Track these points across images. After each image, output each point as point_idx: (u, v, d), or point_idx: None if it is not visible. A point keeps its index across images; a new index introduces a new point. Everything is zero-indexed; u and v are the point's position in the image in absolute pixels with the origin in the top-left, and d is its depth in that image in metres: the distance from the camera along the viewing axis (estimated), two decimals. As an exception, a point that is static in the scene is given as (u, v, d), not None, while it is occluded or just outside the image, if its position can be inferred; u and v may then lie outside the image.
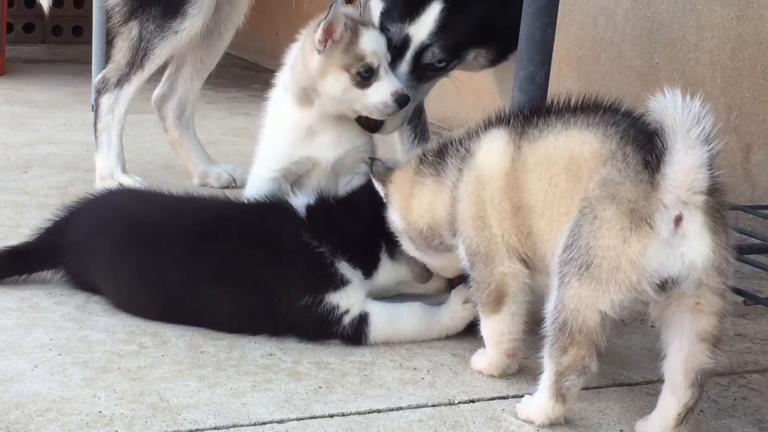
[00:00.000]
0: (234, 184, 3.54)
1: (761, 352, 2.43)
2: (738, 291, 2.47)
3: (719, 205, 1.84)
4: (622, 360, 2.31)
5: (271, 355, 2.22)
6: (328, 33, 2.46)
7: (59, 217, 2.52)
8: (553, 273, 1.91)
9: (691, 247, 1.81)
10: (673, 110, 1.79)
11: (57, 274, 2.50)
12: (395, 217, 2.28)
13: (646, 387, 2.17)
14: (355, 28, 2.49)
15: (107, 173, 3.30)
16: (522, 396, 2.03)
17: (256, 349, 2.24)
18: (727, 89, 3.48)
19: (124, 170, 3.30)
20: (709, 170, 1.79)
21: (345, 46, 2.48)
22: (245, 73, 6.08)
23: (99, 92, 3.31)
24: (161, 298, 2.34)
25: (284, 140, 2.60)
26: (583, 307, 1.85)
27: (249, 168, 2.73)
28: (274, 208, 2.39)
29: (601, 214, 1.84)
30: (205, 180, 3.57)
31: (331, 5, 2.44)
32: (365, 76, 2.49)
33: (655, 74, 3.72)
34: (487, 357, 2.18)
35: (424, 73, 2.65)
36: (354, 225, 2.34)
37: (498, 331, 2.13)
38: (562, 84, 4.14)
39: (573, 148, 1.93)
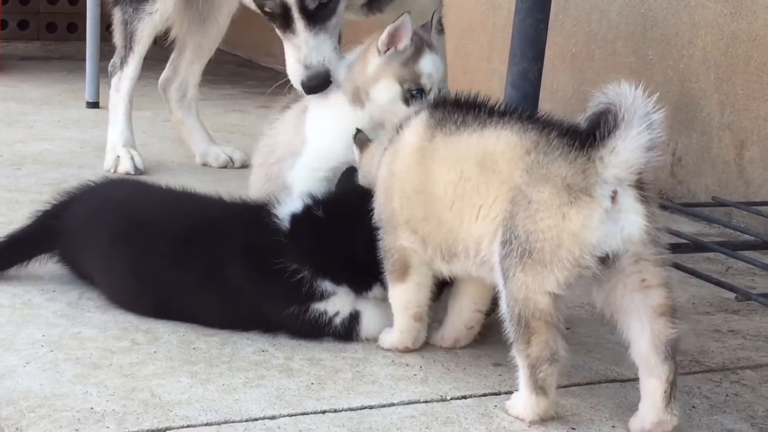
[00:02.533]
0: (231, 164, 3.74)
1: (753, 348, 2.43)
2: (731, 287, 2.48)
3: (644, 181, 1.88)
4: (614, 356, 2.31)
5: (263, 351, 2.22)
6: (393, 39, 2.46)
7: (58, 201, 2.51)
8: (495, 272, 1.94)
9: (629, 221, 1.86)
10: (633, 94, 1.82)
11: (51, 259, 2.49)
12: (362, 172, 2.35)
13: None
14: (420, 45, 2.47)
15: (111, 146, 3.60)
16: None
17: (249, 345, 2.24)
18: (721, 86, 3.48)
19: (126, 144, 3.59)
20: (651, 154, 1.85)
21: (405, 59, 2.46)
22: (239, 69, 6.08)
23: (111, 75, 3.65)
24: (152, 294, 2.33)
25: (340, 138, 2.54)
26: (532, 293, 1.87)
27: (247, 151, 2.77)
28: (256, 221, 2.29)
29: (537, 197, 1.87)
30: (204, 159, 3.79)
31: (402, 14, 2.46)
32: (414, 95, 2.47)
33: (649, 71, 3.72)
34: (396, 326, 2.22)
35: (317, 18, 2.67)
36: (341, 244, 2.26)
37: (405, 299, 2.18)
38: (555, 80, 4.14)
39: (487, 144, 1.97)
